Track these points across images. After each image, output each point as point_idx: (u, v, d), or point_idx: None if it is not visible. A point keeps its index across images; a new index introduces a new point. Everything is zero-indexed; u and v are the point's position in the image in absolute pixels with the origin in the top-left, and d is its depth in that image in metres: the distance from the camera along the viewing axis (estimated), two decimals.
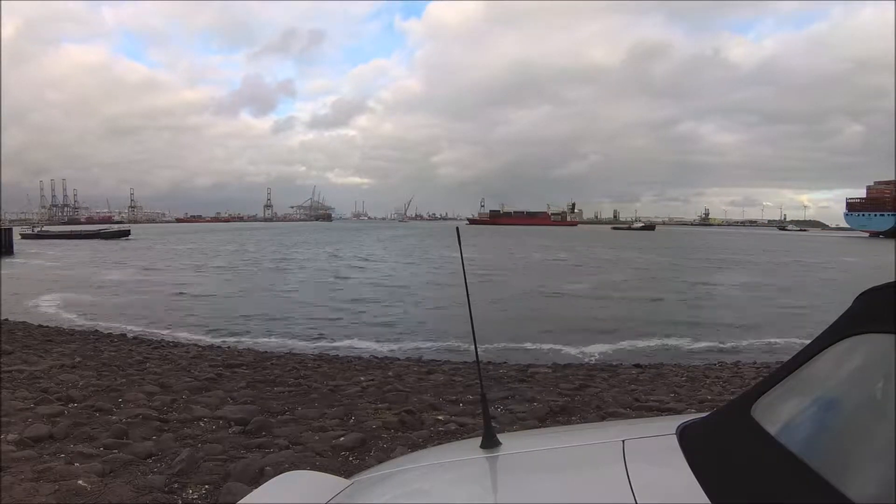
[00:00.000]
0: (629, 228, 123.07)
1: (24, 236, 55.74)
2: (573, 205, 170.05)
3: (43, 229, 62.96)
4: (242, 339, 10.32)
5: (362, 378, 6.40)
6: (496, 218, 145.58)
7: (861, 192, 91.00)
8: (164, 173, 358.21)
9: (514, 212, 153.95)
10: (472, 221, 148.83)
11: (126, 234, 60.68)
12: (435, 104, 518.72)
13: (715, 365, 8.37)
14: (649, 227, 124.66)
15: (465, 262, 1.43)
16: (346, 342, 10.14)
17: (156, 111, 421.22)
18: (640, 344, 10.02)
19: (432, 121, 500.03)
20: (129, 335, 10.08)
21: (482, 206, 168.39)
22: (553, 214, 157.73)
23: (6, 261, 27.34)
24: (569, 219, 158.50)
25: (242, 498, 1.17)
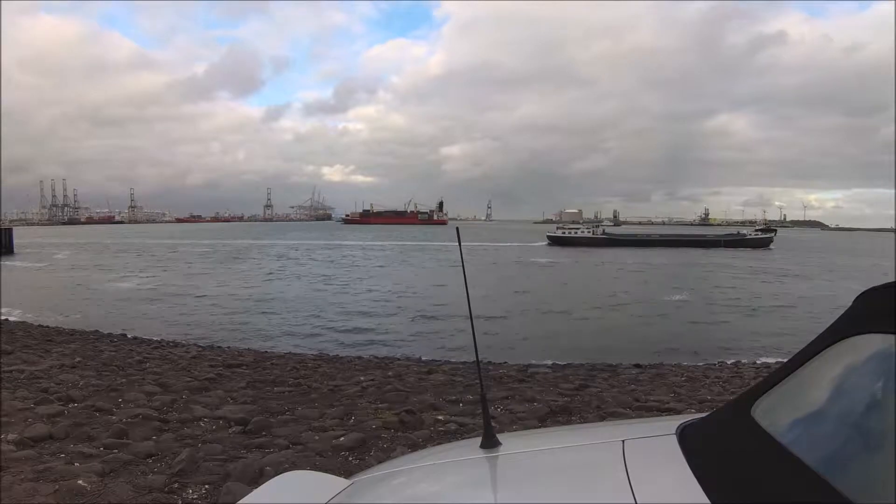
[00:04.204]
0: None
1: (554, 240, 42.40)
2: (441, 203, 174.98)
3: (607, 231, 47.00)
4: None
5: (362, 378, 6.40)
6: (367, 217, 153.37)
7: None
8: (156, 170, 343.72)
9: (385, 211, 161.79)
10: (346, 221, 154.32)
11: (768, 242, 44.57)
12: (453, 89, 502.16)
13: (715, 365, 8.39)
14: (770, 230, 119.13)
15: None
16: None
17: (144, 98, 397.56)
18: None
19: (445, 111, 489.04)
20: (129, 335, 10.08)
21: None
22: (420, 214, 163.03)
23: (5, 263, 27.30)
24: (436, 218, 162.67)
25: (242, 498, 1.16)
